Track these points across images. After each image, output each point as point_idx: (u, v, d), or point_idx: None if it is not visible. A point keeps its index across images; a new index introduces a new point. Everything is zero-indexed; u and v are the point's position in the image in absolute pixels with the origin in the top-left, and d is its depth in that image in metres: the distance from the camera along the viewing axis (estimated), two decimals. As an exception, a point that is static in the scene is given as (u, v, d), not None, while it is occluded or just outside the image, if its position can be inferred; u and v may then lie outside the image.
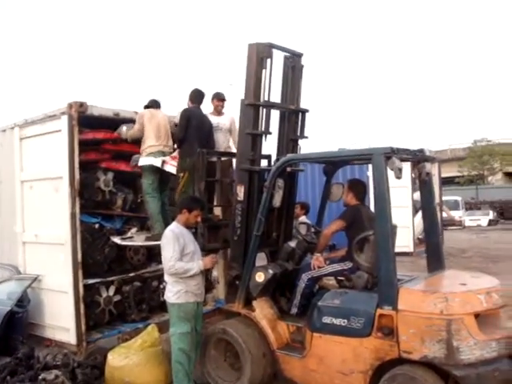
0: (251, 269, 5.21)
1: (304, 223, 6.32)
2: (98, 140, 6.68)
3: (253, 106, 5.35)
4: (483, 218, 29.55)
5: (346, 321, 4.51)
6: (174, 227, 5.04)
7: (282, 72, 5.65)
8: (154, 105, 6.76)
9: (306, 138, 5.82)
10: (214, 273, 5.18)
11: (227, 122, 6.79)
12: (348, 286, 4.86)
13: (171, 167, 6.27)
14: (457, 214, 26.85)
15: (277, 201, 5.05)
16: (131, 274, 6.75)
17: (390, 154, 4.38)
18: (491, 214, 30.24)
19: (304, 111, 5.77)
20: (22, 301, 6.38)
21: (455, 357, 4.01)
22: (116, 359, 5.26)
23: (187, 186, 6.06)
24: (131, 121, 6.69)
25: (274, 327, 5.09)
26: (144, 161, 6.36)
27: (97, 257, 6.44)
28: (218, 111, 6.79)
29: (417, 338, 4.13)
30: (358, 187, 5.16)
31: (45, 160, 6.43)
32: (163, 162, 6.30)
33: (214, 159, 6.04)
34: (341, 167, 5.87)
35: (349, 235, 5.02)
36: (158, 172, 6.39)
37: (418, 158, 4.93)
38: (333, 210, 6.48)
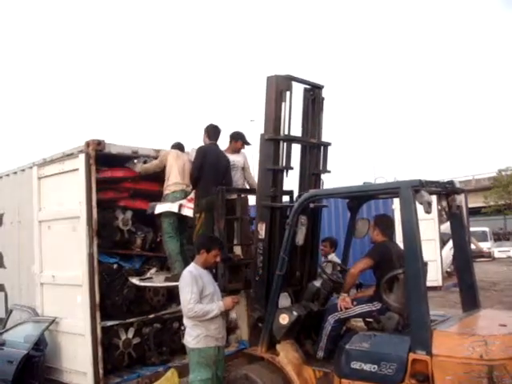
0: (275, 310, 4.94)
1: (331, 262, 6.05)
2: (117, 178, 6.57)
3: (273, 141, 5.17)
4: (512, 251, 28.76)
5: (376, 366, 4.20)
6: (193, 268, 4.85)
7: (302, 105, 5.49)
8: (179, 147, 6.69)
9: (329, 172, 5.61)
10: (233, 315, 4.95)
11: (241, 159, 6.64)
12: (377, 327, 4.56)
13: (188, 210, 6.12)
14: (485, 246, 26.15)
15: (300, 238, 4.80)
16: (151, 316, 6.53)
17: (418, 187, 4.14)
18: (522, 247, 29.43)
19: (326, 144, 5.57)
20: (39, 344, 6.19)
21: (498, 406, 3.68)
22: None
23: (205, 226, 5.88)
24: (148, 158, 6.59)
25: (299, 372, 4.78)
26: (161, 208, 6.23)
27: (115, 298, 6.26)
28: (237, 151, 6.63)
29: (454, 385, 3.82)
30: (384, 223, 4.90)
31: (63, 199, 6.33)
32: (180, 206, 6.15)
33: (234, 196, 5.87)
34: (366, 202, 5.62)
35: (377, 274, 4.75)
36: (176, 215, 6.24)
37: (448, 191, 4.68)
38: (358, 247, 6.23)
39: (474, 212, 35.48)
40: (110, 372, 6.12)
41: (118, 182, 6.61)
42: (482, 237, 27.03)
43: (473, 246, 17.20)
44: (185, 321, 4.85)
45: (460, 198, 4.75)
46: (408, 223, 4.17)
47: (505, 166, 40.19)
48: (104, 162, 6.34)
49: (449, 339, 3.98)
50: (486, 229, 28.88)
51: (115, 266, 6.40)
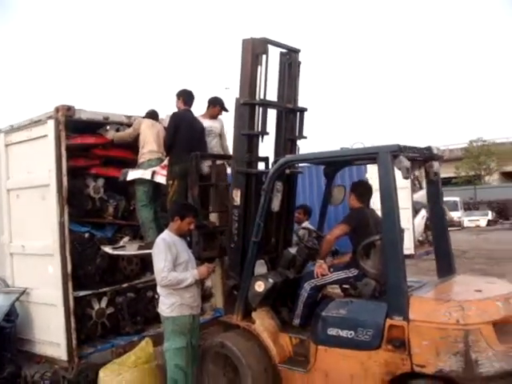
0: (250, 278, 4.85)
1: (307, 228, 5.97)
2: (87, 145, 6.32)
3: (248, 105, 5.01)
4: (482, 219, 29.28)
5: (352, 332, 4.17)
6: (166, 236, 4.71)
7: (278, 69, 5.32)
8: (153, 116, 6.48)
9: (305, 138, 5.48)
10: (208, 283, 4.86)
11: (219, 125, 6.46)
12: (354, 294, 4.51)
13: (161, 177, 5.93)
14: (455, 215, 26.55)
15: (276, 205, 4.70)
16: (124, 285, 6.35)
17: (397, 153, 4.04)
18: (490, 215, 29.94)
19: (302, 110, 5.43)
20: (10, 315, 6.01)
21: (474, 370, 3.67)
22: (108, 377, 4.91)
23: (177, 193, 5.72)
24: (121, 125, 6.37)
25: (275, 340, 4.73)
26: (133, 175, 6.02)
27: (87, 267, 6.05)
28: (214, 117, 6.43)
29: (431, 350, 3.79)
30: (362, 189, 4.81)
31: (31, 167, 6.07)
32: (153, 173, 5.96)
33: (208, 163, 5.71)
34: (342, 168, 5.52)
35: (353, 240, 4.68)
36: (150, 182, 6.05)
37: (426, 157, 4.60)
38: (333, 215, 6.15)
39: (445, 182, 35.91)
40: (83, 342, 6.00)
41: (89, 148, 6.36)
42: (453, 206, 27.42)
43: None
44: (159, 289, 4.73)
45: (437, 165, 4.68)
46: (386, 189, 4.08)
47: (476, 137, 40.66)
48: (74, 128, 6.09)
49: (425, 305, 3.94)
50: (457, 199, 29.29)
51: (87, 234, 6.18)
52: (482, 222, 28.92)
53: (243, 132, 5.03)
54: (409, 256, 12.43)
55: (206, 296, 6.66)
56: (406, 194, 12.68)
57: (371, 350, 4.05)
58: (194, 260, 4.86)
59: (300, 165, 5.75)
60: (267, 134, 5.14)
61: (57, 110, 5.71)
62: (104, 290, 6.15)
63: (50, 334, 5.89)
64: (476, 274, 10.76)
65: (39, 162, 5.91)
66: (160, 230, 5.81)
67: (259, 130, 5.07)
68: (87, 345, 6.03)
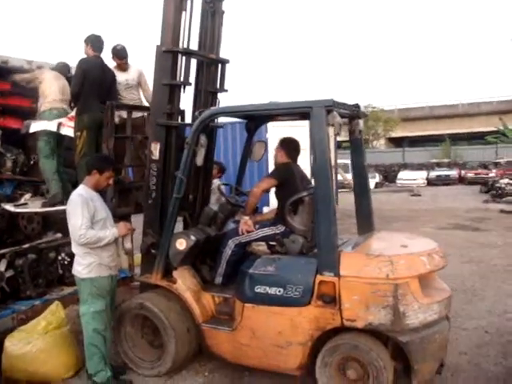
0: (170, 235, 4.54)
1: (229, 184, 5.72)
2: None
3: (171, 53, 4.60)
4: (370, 181, 30.49)
5: (281, 289, 4.02)
6: (82, 191, 4.23)
7: (200, 17, 4.92)
8: (62, 69, 5.87)
9: (226, 91, 5.17)
10: (127, 244, 4.48)
11: (135, 76, 5.95)
12: (281, 251, 4.35)
13: (68, 129, 5.37)
14: (349, 177, 27.44)
15: (199, 159, 4.39)
16: (25, 246, 5.74)
17: (331, 108, 3.88)
18: (377, 177, 31.26)
19: (224, 61, 5.09)
20: None
21: (401, 322, 3.68)
22: (16, 346, 4.40)
23: (87, 146, 5.22)
24: (22, 70, 5.66)
25: (198, 299, 4.49)
26: (37, 126, 5.41)
27: (-19, 227, 5.41)
28: (123, 68, 5.90)
29: (361, 304, 3.74)
30: (290, 145, 4.61)
31: None
32: (59, 125, 5.38)
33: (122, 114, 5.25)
34: (264, 123, 5.28)
35: (280, 195, 4.50)
36: (55, 135, 5.46)
37: (354, 114, 4.49)
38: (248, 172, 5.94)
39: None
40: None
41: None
42: (344, 169, 28.40)
43: (340, 177, 17.95)
44: (74, 249, 4.26)
45: (361, 123, 4.60)
46: (319, 145, 3.91)
47: (367, 103, 41.83)
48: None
49: (356, 260, 3.87)
50: (348, 161, 30.24)
51: (-20, 191, 5.51)
52: (371, 184, 30.11)
53: (164, 82, 4.62)
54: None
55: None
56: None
57: (301, 306, 3.94)
58: (111, 217, 4.44)
59: (225, 120, 5.42)
60: (189, 84, 4.77)
61: None
62: (2, 251, 5.53)
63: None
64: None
65: None
66: (64, 186, 5.32)
67: (181, 79, 4.68)
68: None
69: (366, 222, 4.79)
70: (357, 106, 4.44)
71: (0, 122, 5.74)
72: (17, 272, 5.68)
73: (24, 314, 5.35)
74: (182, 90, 4.74)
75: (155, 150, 4.68)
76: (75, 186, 5.31)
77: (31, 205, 5.55)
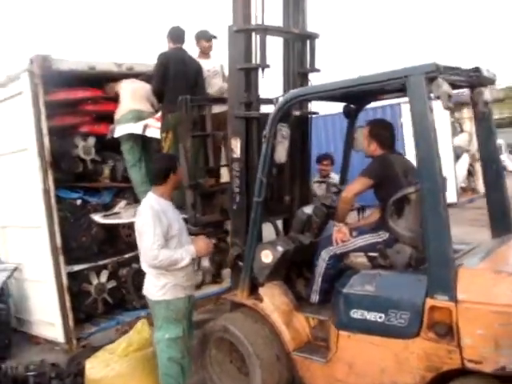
0: (255, 246, 3.76)
1: (327, 182, 4.82)
2: (75, 100, 5.29)
3: (243, 32, 3.82)
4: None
5: (382, 315, 3.05)
6: (154, 202, 3.57)
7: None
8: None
9: (318, 71, 4.25)
10: (205, 263, 3.85)
11: (218, 64, 5.27)
12: (384, 264, 3.35)
13: (154, 130, 4.85)
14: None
15: (281, 155, 3.56)
16: (127, 256, 5.37)
17: (434, 74, 2.80)
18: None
19: (313, 36, 4.18)
20: (2, 295, 5.17)
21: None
22: (95, 369, 3.95)
23: (174, 148, 4.63)
24: (110, 74, 5.27)
25: (289, 321, 3.65)
26: (122, 130, 4.98)
27: (81, 239, 5.13)
28: (207, 54, 5.25)
29: (488, 341, 2.64)
30: (381, 130, 3.55)
31: (10, 130, 5.11)
32: (145, 127, 4.88)
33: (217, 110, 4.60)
34: (365, 105, 4.27)
35: (380, 196, 3.48)
36: (139, 137, 4.98)
37: (472, 82, 3.31)
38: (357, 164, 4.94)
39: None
40: (85, 321, 5.14)
41: (76, 104, 5.34)
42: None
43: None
44: (145, 268, 3.68)
45: (489, 93, 3.39)
46: (421, 126, 2.87)
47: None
48: (60, 83, 5.08)
49: (480, 279, 2.77)
50: (501, 141, 26.94)
51: (79, 201, 5.23)
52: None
53: (239, 66, 3.85)
54: (451, 205, 11.13)
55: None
56: (445, 137, 11.20)
57: (407, 338, 2.94)
58: (185, 229, 3.78)
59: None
60: (268, 66, 3.92)
61: (31, 61, 4.69)
62: (103, 262, 5.23)
63: (45, 313, 5.06)
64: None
65: (17, 123, 4.95)
66: None
67: (257, 62, 3.87)
68: (90, 323, 5.20)
69: (500, 221, 3.58)
70: (476, 69, 3.25)
71: (95, 129, 5.44)
72: (120, 282, 5.37)
73: (128, 326, 4.99)
74: (260, 74, 3.93)
75: (235, 146, 3.94)
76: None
77: (123, 214, 5.16)
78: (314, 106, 4.44)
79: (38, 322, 5.22)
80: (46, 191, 4.74)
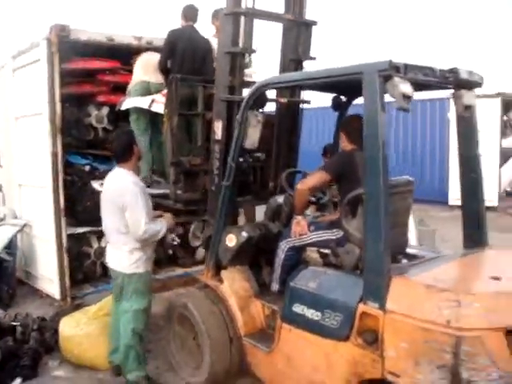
0: (222, 228, 3.71)
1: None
2: (92, 70, 5.36)
3: (231, 16, 3.69)
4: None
5: (319, 314, 2.92)
6: (135, 178, 3.66)
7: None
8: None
9: (313, 58, 4.07)
10: (172, 234, 3.86)
11: None
12: (335, 262, 3.21)
13: (159, 106, 4.80)
14: None
15: (251, 141, 3.46)
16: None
17: (388, 73, 2.59)
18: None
19: (309, 24, 4.00)
20: (11, 248, 5.40)
21: (464, 394, 2.32)
22: (66, 327, 4.09)
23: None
24: (127, 48, 5.27)
25: (245, 307, 3.58)
26: (129, 103, 4.99)
27: (86, 203, 5.23)
28: None
29: (409, 355, 2.46)
30: (354, 126, 3.35)
31: (29, 94, 5.25)
32: (152, 102, 4.86)
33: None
34: (356, 97, 4.03)
35: (340, 192, 3.32)
36: (146, 110, 4.97)
37: (449, 83, 3.05)
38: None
39: None
40: (84, 281, 5.29)
41: (95, 74, 5.41)
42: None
43: None
44: (118, 241, 3.67)
45: (470, 96, 3.12)
46: (370, 125, 2.68)
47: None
48: (78, 53, 5.16)
49: (411, 291, 2.57)
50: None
51: (87, 167, 5.33)
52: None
53: (225, 50, 3.75)
54: (491, 209, 10.51)
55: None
56: (492, 138, 10.55)
57: (338, 340, 2.80)
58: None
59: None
60: (253, 51, 3.83)
61: (50, 29, 4.76)
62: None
63: (47, 269, 5.24)
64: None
65: (34, 88, 5.07)
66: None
67: (243, 45, 3.74)
68: (89, 284, 5.33)
69: (474, 232, 3.31)
70: (453, 70, 2.98)
71: (112, 99, 5.47)
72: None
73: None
74: (246, 58, 3.82)
75: (217, 128, 3.86)
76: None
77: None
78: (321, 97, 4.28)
79: (41, 277, 5.42)
80: (54, 154, 4.84)
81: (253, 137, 3.44)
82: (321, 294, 2.96)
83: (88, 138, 5.42)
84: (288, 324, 3.13)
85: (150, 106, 4.87)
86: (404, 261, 3.18)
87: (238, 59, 3.77)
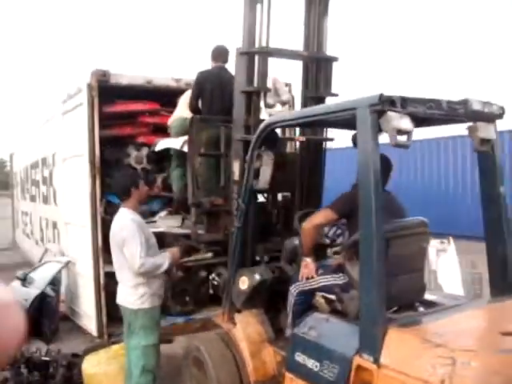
0: (235, 270, 3.61)
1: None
2: (132, 112, 5.55)
3: (246, 55, 3.68)
4: None
5: (318, 365, 2.73)
6: (132, 215, 3.73)
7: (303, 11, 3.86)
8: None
9: (335, 95, 3.94)
10: (178, 272, 3.84)
11: (270, 84, 5.06)
12: (340, 309, 3.00)
13: None
14: None
15: (262, 181, 3.36)
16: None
17: (379, 107, 2.43)
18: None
19: (329, 59, 3.90)
20: (55, 284, 5.60)
21: None
22: (88, 366, 4.13)
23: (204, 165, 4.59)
24: (166, 89, 5.41)
25: (256, 352, 3.43)
26: (163, 144, 5.08)
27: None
28: None
29: (403, 417, 2.22)
30: None
31: (74, 136, 5.52)
32: (184, 143, 4.91)
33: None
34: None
35: (349, 232, 3.14)
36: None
37: (461, 116, 2.81)
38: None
39: None
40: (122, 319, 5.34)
41: (135, 116, 5.60)
42: None
43: None
44: (124, 279, 3.73)
45: (490, 129, 2.86)
46: (363, 163, 2.51)
47: None
48: (121, 96, 5.39)
49: (405, 344, 2.33)
50: None
51: (127, 207, 5.45)
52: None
53: (241, 89, 3.73)
54: None
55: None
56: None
57: (335, 394, 2.59)
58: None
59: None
60: (269, 90, 3.76)
61: (91, 75, 5.01)
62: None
63: (87, 306, 5.35)
64: None
65: (78, 131, 5.32)
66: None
67: (258, 85, 3.70)
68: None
69: (500, 279, 2.98)
70: (464, 102, 2.75)
71: (152, 140, 5.63)
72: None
73: (162, 330, 5.11)
74: (262, 97, 3.77)
75: (236, 168, 3.82)
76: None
77: (160, 223, 5.25)
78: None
79: (83, 314, 5.54)
80: (93, 194, 5.01)
81: (264, 177, 3.35)
82: (320, 343, 2.77)
83: (128, 178, 5.56)
84: (291, 373, 2.95)
85: (181, 147, 4.92)
86: (421, 309, 2.94)
87: (253, 98, 3.73)
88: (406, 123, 2.44)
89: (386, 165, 3.18)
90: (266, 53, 3.67)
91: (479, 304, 2.89)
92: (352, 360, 2.50)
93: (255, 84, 3.70)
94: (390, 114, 2.41)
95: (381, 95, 2.42)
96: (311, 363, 2.77)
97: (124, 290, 3.73)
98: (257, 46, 3.66)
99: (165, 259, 3.73)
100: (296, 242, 3.64)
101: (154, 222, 5.31)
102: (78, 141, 5.31)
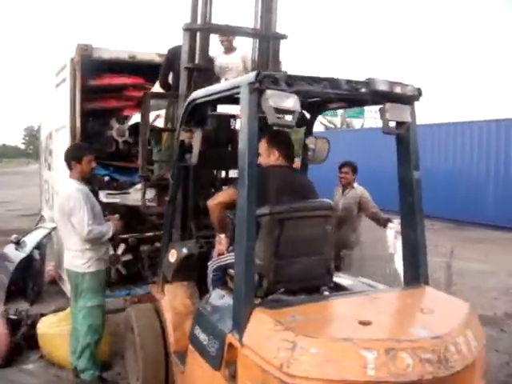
0: (167, 244, 3.64)
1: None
2: (118, 86, 5.61)
3: (188, 31, 3.64)
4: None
5: (207, 339, 2.73)
6: (77, 185, 3.87)
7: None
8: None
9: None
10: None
11: (238, 59, 4.95)
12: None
13: (162, 121, 4.86)
14: None
15: (192, 155, 3.33)
16: (149, 234, 5.52)
17: (257, 86, 2.34)
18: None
19: (277, 37, 3.78)
20: (41, 248, 5.82)
21: None
22: (42, 325, 4.34)
23: (170, 141, 4.60)
24: (151, 64, 5.41)
25: (180, 323, 3.43)
26: (134, 119, 5.15)
27: (104, 212, 5.43)
28: (226, 48, 4.95)
29: (252, 397, 2.19)
30: (280, 140, 3.08)
31: (60, 108, 5.66)
32: (156, 117, 4.93)
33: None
34: (319, 113, 3.71)
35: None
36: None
37: (364, 96, 2.65)
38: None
39: None
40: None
41: (120, 90, 5.65)
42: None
43: None
44: (72, 244, 3.91)
45: (396, 109, 2.69)
46: (243, 138, 2.44)
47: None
48: (103, 70, 5.44)
49: (263, 326, 2.27)
50: None
51: (107, 178, 5.54)
52: None
53: (184, 65, 3.70)
54: None
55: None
56: None
57: (214, 369, 2.58)
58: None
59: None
60: (209, 68, 3.70)
61: (75, 50, 5.10)
62: (121, 236, 5.47)
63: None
64: None
65: (63, 104, 5.45)
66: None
67: (199, 61, 3.65)
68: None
69: (412, 267, 2.85)
70: (367, 82, 2.59)
71: (134, 114, 5.67)
72: (138, 257, 5.57)
73: (137, 298, 5.22)
74: (199, 73, 3.71)
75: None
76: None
77: (130, 196, 5.30)
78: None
79: (66, 279, 5.74)
80: (73, 166, 5.14)
81: (193, 153, 3.31)
82: (209, 318, 2.77)
83: (110, 150, 5.65)
84: (191, 345, 2.96)
85: (154, 121, 4.94)
86: (326, 293, 2.88)
87: (194, 75, 3.69)
88: (288, 102, 2.35)
89: (289, 140, 3.10)
90: (208, 29, 3.60)
91: (380, 293, 2.77)
92: (225, 337, 2.48)
93: (196, 61, 3.64)
94: (269, 92, 2.32)
95: (259, 72, 2.33)
96: (203, 337, 2.77)
97: (71, 255, 3.92)
98: (198, 21, 3.60)
99: (109, 228, 3.92)
100: (231, 216, 3.61)
101: (128, 193, 5.38)
102: (62, 113, 5.44)
